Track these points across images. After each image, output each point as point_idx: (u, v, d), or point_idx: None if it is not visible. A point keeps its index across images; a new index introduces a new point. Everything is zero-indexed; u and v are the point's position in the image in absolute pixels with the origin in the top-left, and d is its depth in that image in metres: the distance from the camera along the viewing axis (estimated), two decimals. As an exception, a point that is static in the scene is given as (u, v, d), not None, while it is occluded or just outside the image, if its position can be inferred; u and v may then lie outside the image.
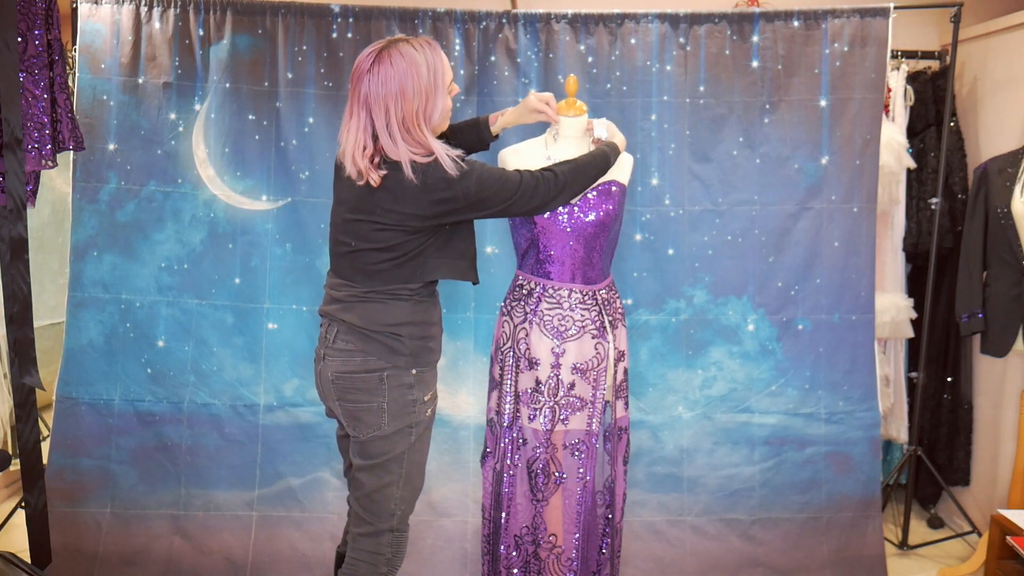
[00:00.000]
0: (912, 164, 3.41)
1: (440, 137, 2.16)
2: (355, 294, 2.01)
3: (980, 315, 3.14)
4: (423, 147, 1.91)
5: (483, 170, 1.96)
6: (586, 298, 2.33)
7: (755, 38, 3.01)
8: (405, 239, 1.96)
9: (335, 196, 2.09)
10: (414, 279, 2.00)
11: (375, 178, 1.90)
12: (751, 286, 3.07)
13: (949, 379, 3.56)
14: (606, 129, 2.37)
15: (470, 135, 2.34)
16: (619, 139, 2.34)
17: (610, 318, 2.36)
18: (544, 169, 2.06)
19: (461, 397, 3.09)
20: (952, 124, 3.41)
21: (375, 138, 1.91)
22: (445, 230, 2.01)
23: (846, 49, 2.99)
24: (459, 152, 1.95)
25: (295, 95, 2.99)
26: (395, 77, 1.88)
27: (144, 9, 2.95)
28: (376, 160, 1.91)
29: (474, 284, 2.14)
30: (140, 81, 2.97)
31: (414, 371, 2.00)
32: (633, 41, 3.00)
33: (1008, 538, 2.70)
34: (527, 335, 2.31)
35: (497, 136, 2.38)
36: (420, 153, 1.91)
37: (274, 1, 2.97)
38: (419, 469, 2.08)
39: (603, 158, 2.20)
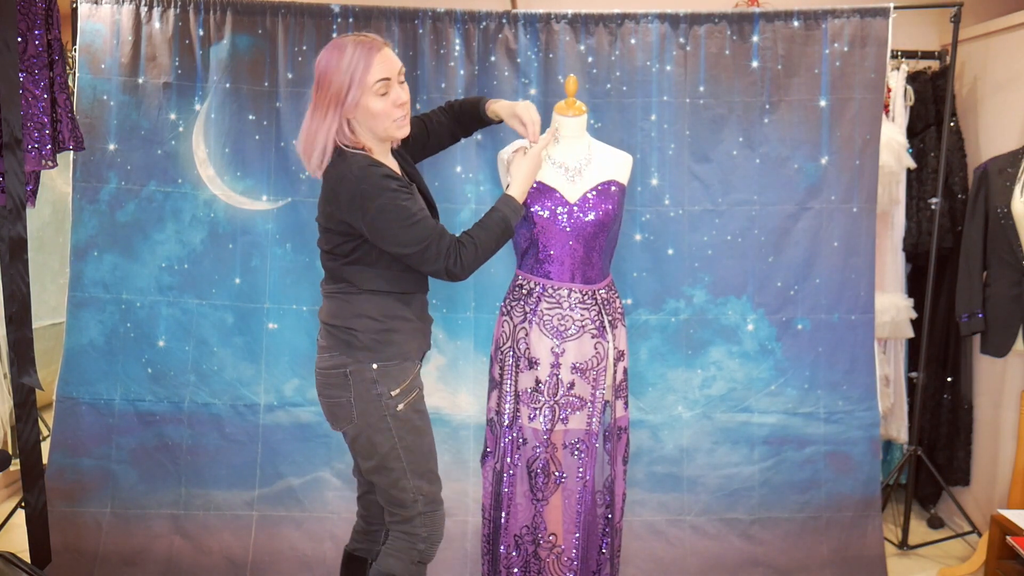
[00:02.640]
0: (912, 164, 3.41)
1: (437, 111, 2.34)
2: (326, 291, 2.09)
3: (980, 315, 3.14)
4: (351, 141, 1.96)
5: (402, 202, 1.89)
6: (586, 298, 2.33)
7: (755, 38, 3.01)
8: (339, 241, 1.99)
9: None
10: (359, 282, 2.01)
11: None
12: (751, 286, 3.07)
13: (949, 379, 3.56)
14: (510, 167, 2.22)
15: (470, 111, 2.34)
16: (519, 183, 2.14)
17: (610, 318, 2.37)
18: (463, 236, 2.00)
19: (461, 397, 3.09)
20: (952, 124, 3.41)
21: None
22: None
23: (846, 49, 2.99)
24: (388, 171, 1.93)
25: (295, 95, 2.99)
26: (321, 61, 1.95)
27: (144, 9, 2.95)
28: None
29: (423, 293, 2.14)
30: (140, 81, 2.97)
31: (375, 365, 1.99)
32: (633, 41, 3.01)
33: (1008, 538, 2.70)
34: (527, 335, 2.31)
35: (490, 122, 2.34)
36: (349, 145, 1.95)
37: (274, 1, 2.97)
38: (422, 456, 2.07)
39: (504, 226, 2.06)
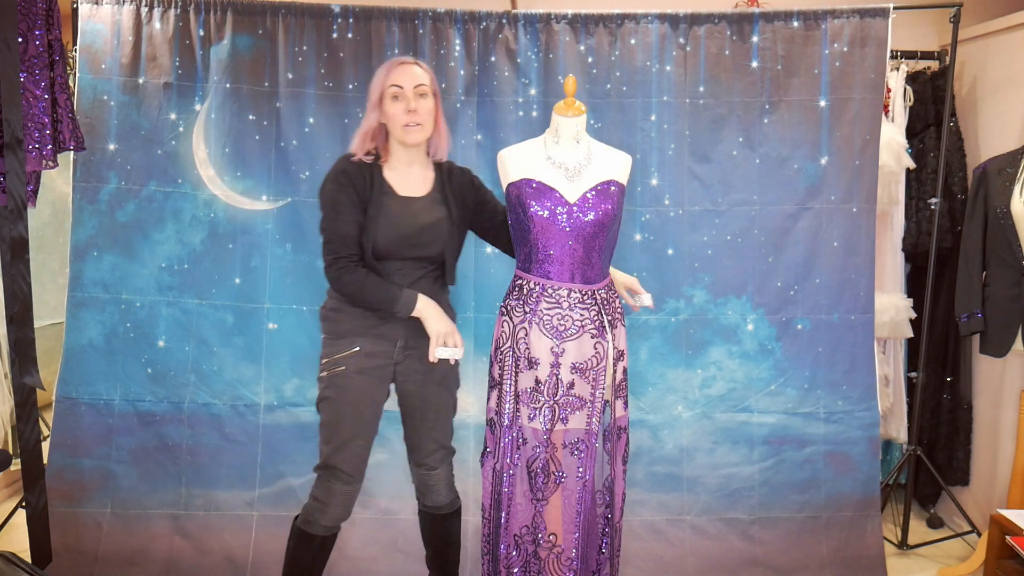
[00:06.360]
0: (912, 164, 3.41)
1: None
2: None
3: (979, 315, 3.14)
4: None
5: (336, 195, 2.22)
6: (585, 297, 2.33)
7: (755, 38, 3.01)
8: None
9: None
10: None
11: None
12: (750, 286, 3.07)
13: (949, 379, 3.56)
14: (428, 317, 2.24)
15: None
16: (428, 313, 2.23)
17: (609, 317, 2.37)
18: (352, 258, 2.22)
19: (461, 397, 3.06)
20: (952, 124, 3.41)
21: None
22: None
23: (846, 49, 2.99)
24: (349, 168, 2.25)
25: (295, 95, 3.00)
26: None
27: (144, 9, 2.95)
28: None
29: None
30: (140, 81, 2.97)
31: (323, 336, 2.36)
32: (633, 41, 3.01)
33: (1008, 538, 2.70)
34: (527, 335, 2.31)
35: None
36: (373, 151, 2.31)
37: (274, 1, 2.97)
38: (335, 424, 2.29)
39: (388, 301, 2.21)
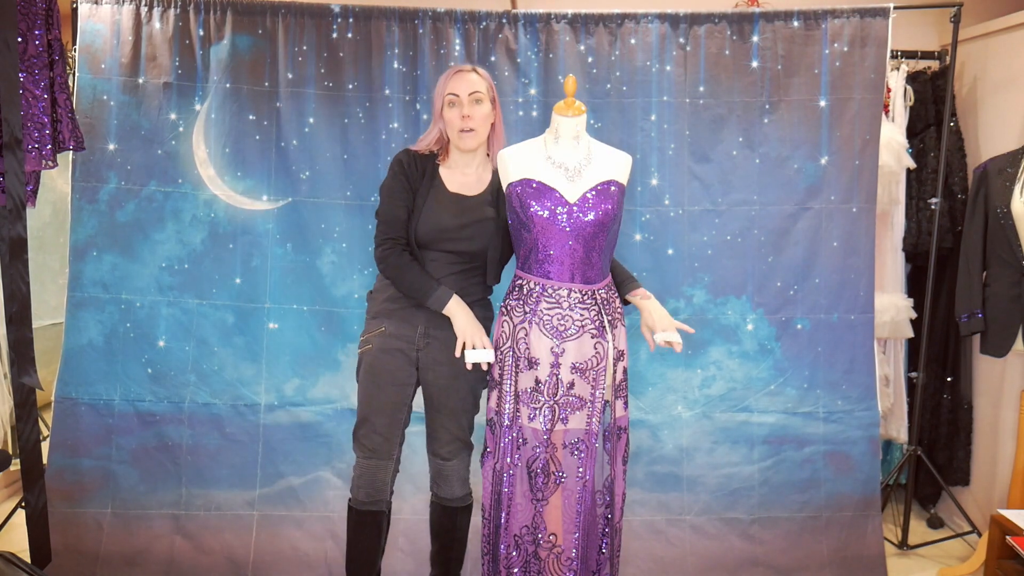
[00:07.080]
0: (912, 164, 3.41)
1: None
2: None
3: (980, 315, 3.14)
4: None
5: (390, 182, 2.40)
6: (585, 298, 2.33)
7: (755, 38, 3.01)
8: None
9: None
10: None
11: None
12: (750, 286, 3.07)
13: (949, 379, 3.56)
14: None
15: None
16: (458, 315, 2.34)
17: (609, 317, 2.36)
18: (400, 240, 2.37)
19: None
20: (952, 124, 3.41)
21: None
22: None
23: (846, 49, 2.99)
24: (404, 158, 2.41)
25: (295, 95, 3.00)
26: None
27: (144, 9, 2.95)
28: None
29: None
30: (140, 81, 2.97)
31: (367, 318, 2.50)
32: (633, 41, 3.01)
33: (1008, 538, 2.70)
34: (527, 335, 2.31)
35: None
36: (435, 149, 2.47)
37: (274, 1, 2.97)
38: (360, 399, 2.46)
39: (417, 293, 2.35)
